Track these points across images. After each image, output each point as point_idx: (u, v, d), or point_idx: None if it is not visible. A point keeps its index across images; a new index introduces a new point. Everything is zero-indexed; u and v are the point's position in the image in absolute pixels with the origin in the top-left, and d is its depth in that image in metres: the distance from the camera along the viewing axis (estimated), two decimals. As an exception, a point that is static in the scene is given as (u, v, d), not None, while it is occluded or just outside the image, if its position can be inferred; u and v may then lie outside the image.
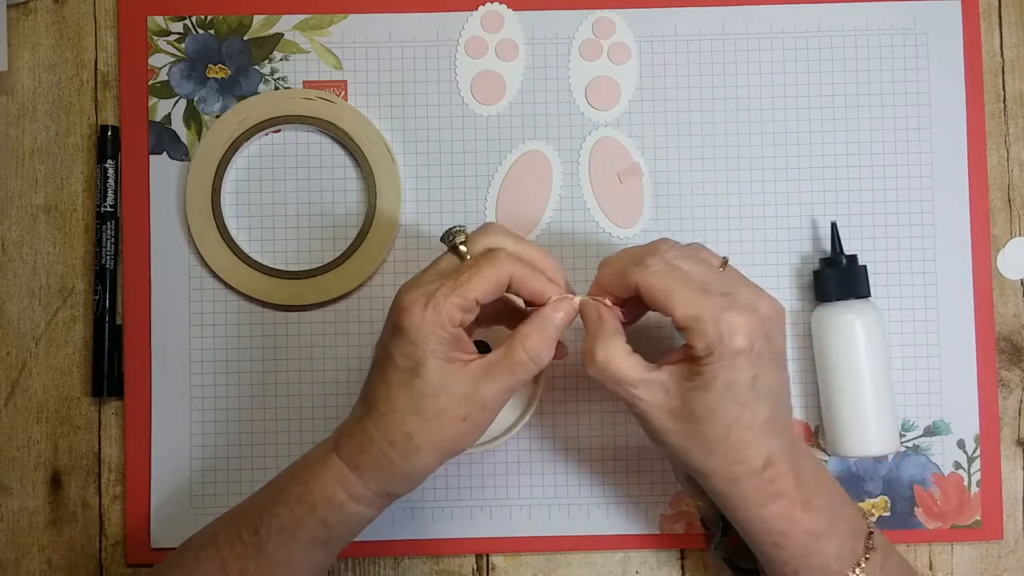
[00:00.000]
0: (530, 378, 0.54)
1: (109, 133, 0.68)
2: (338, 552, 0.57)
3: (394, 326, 0.53)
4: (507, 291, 0.54)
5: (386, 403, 0.53)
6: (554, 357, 0.55)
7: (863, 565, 0.55)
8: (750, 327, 0.52)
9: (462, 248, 0.54)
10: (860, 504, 0.66)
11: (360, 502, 0.55)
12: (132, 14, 0.68)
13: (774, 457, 0.54)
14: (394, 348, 0.53)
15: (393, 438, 0.53)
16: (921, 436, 0.68)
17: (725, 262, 0.56)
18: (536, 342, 0.53)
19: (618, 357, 0.54)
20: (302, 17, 0.68)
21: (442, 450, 0.54)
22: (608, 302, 0.56)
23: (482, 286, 0.52)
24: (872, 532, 0.57)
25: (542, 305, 0.54)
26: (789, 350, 0.63)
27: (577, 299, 0.55)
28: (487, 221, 0.57)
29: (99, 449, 0.68)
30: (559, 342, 0.55)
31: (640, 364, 0.54)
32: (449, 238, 0.55)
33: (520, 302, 0.58)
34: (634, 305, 0.57)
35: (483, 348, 0.61)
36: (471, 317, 0.53)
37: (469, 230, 0.55)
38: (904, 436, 0.68)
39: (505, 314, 0.58)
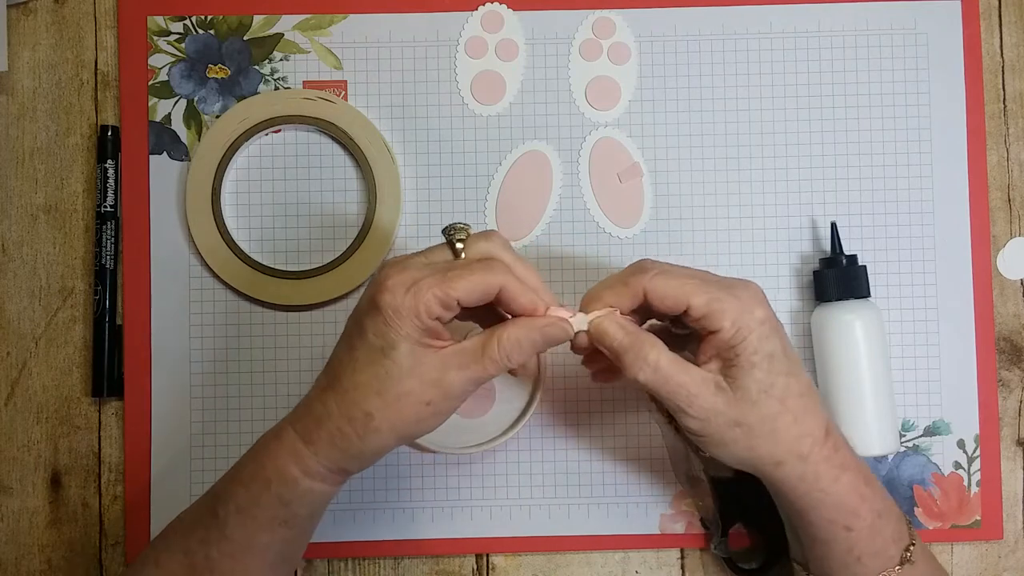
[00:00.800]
0: (498, 375, 0.53)
1: (109, 133, 0.68)
2: (304, 535, 0.56)
3: (371, 301, 0.52)
4: (495, 302, 0.53)
5: (350, 378, 0.52)
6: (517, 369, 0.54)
7: (912, 549, 0.56)
8: (760, 299, 0.53)
9: (458, 246, 0.53)
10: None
11: (314, 478, 0.53)
12: (132, 14, 0.68)
13: (830, 425, 0.55)
14: (368, 323, 0.52)
15: (352, 415, 0.52)
16: (921, 436, 0.68)
17: None
18: (513, 343, 0.52)
19: (670, 359, 0.53)
20: (302, 17, 0.68)
21: (400, 433, 0.53)
22: (619, 312, 0.54)
23: (468, 287, 0.51)
24: (908, 519, 0.58)
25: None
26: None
27: (580, 317, 0.54)
28: (491, 228, 0.55)
29: (99, 449, 0.68)
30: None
31: (689, 364, 0.53)
32: (450, 232, 0.54)
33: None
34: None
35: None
36: (449, 315, 0.52)
37: (473, 230, 0.54)
38: (904, 436, 0.68)
39: (486, 317, 0.57)
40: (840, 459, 0.54)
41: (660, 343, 0.53)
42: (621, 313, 0.54)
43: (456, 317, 0.53)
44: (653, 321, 0.58)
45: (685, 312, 0.53)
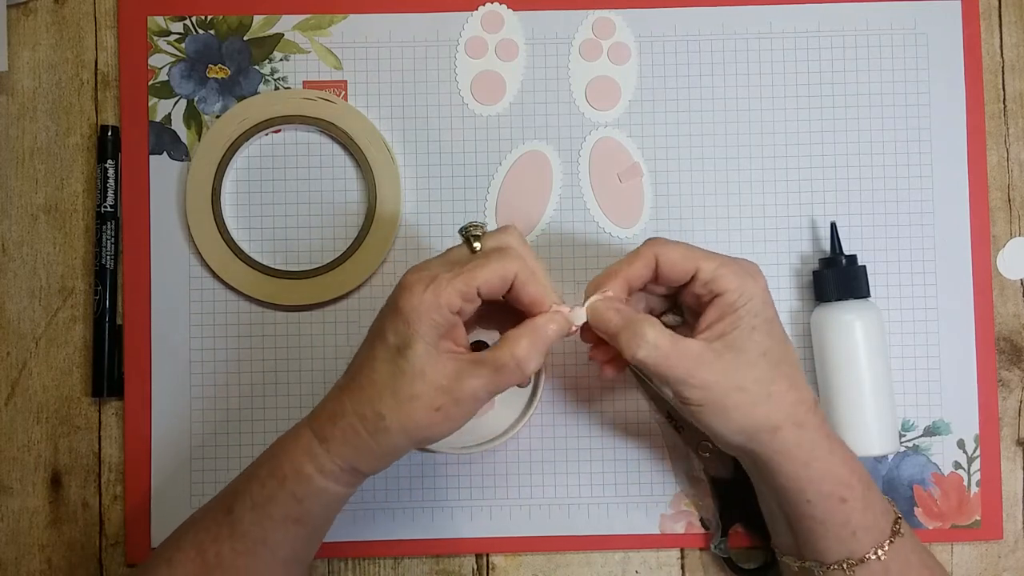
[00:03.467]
0: (513, 384, 0.54)
1: (109, 133, 0.68)
2: (317, 535, 0.57)
3: (392, 303, 0.53)
4: (508, 292, 0.54)
5: (367, 376, 0.53)
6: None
7: (900, 522, 0.57)
8: (759, 273, 0.56)
9: (475, 244, 0.54)
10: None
11: (327, 476, 0.54)
12: (132, 14, 0.68)
13: (815, 399, 0.57)
14: (387, 324, 0.53)
15: (364, 413, 0.53)
16: (921, 436, 0.68)
17: None
18: (525, 348, 0.53)
19: (668, 334, 0.54)
20: (302, 17, 0.68)
21: (410, 436, 0.53)
22: (610, 293, 0.55)
23: (486, 276, 0.52)
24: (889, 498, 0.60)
25: (536, 314, 0.54)
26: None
27: (578, 309, 0.55)
28: (507, 224, 0.57)
29: (99, 449, 0.68)
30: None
31: (685, 338, 0.54)
32: (467, 230, 0.55)
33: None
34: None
35: (481, 348, 0.61)
36: (471, 307, 0.53)
37: (489, 228, 0.56)
38: (904, 436, 0.68)
39: (506, 319, 0.57)
40: (828, 430, 0.57)
41: (656, 321, 0.54)
42: (630, 291, 0.56)
43: (476, 319, 0.55)
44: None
45: (693, 278, 0.55)
